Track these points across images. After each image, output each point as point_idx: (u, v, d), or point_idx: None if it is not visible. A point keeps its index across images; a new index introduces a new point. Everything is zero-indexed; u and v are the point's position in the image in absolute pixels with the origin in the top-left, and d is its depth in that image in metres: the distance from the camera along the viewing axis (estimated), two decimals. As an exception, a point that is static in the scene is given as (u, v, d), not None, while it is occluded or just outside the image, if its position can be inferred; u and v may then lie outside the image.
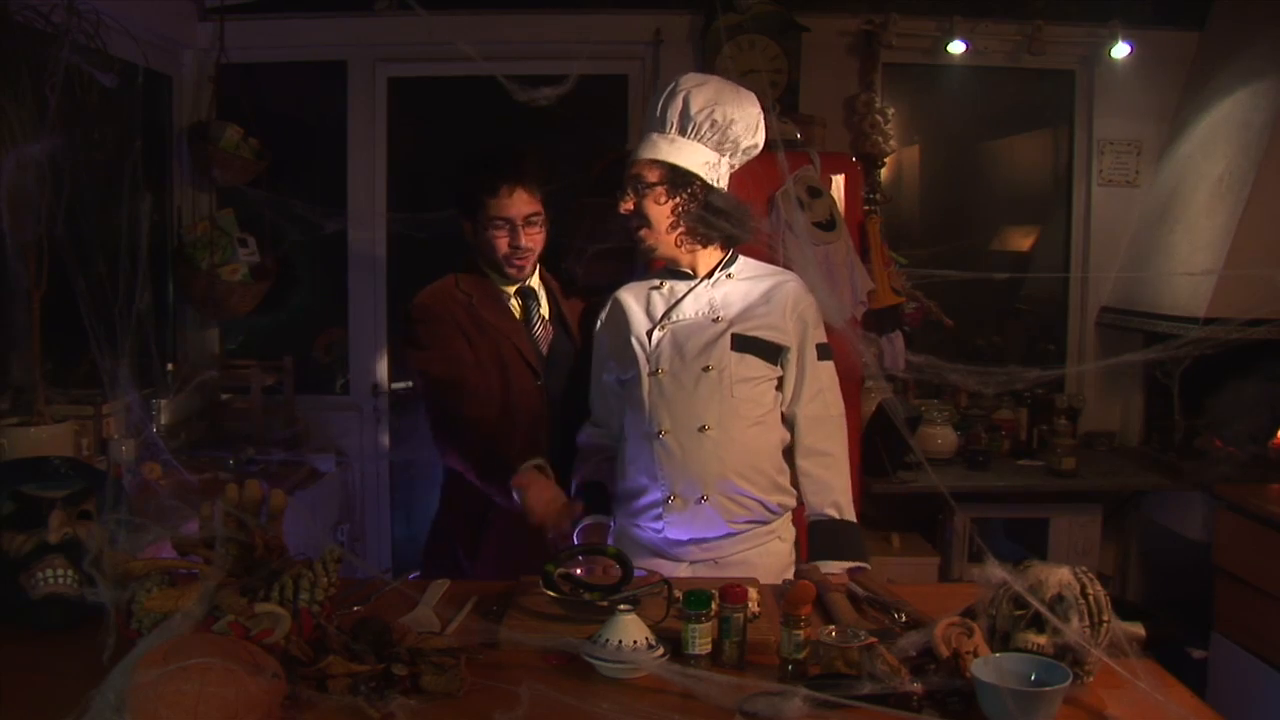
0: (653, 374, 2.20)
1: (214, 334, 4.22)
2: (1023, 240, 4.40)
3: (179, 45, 3.97)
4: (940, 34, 4.04)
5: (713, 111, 2.16)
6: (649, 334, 2.24)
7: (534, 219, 2.40)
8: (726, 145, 2.20)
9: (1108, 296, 4.18)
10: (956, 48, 4.01)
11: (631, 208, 2.22)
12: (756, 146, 2.25)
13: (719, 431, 2.16)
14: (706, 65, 3.98)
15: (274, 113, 4.05)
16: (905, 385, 4.04)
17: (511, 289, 2.49)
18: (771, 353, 2.22)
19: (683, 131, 2.18)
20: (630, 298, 2.33)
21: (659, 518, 2.19)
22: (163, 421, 3.68)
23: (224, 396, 3.94)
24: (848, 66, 4.08)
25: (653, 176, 2.19)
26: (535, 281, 2.52)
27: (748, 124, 2.20)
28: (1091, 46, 4.10)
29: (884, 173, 4.08)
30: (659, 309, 2.27)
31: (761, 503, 2.21)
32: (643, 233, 2.23)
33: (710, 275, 2.27)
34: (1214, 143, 3.77)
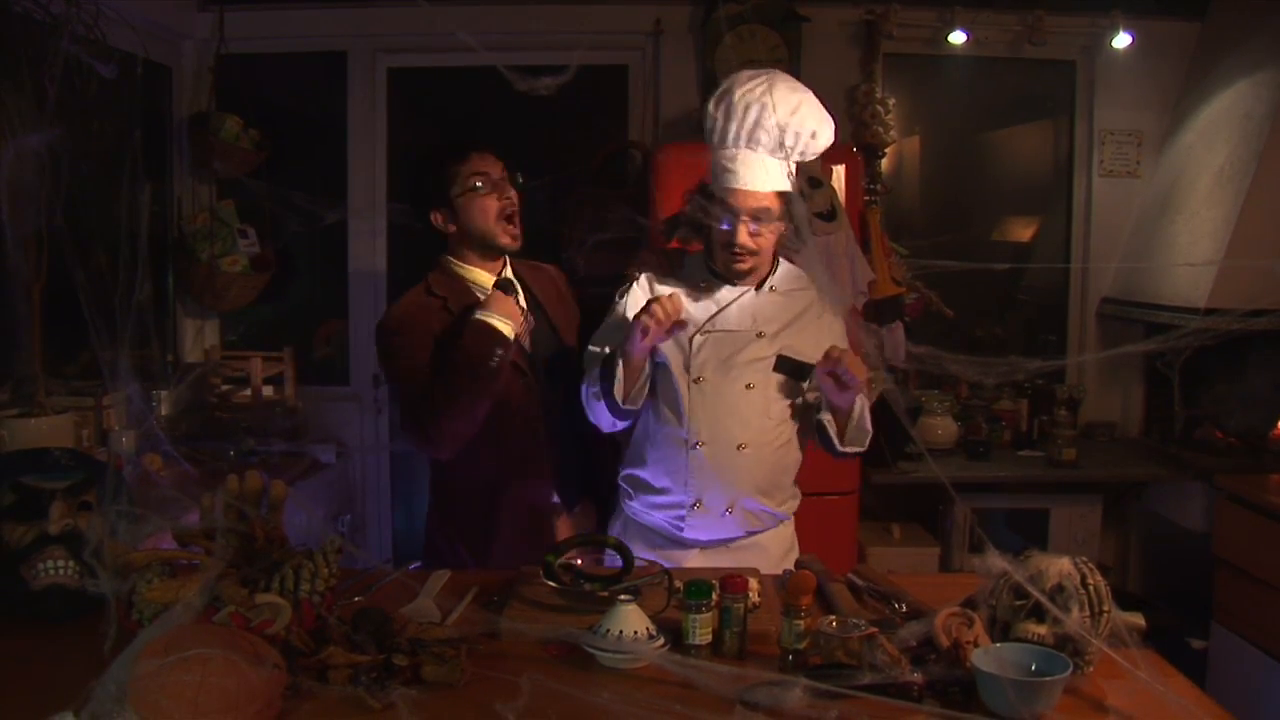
0: (695, 381, 2.17)
1: (214, 325, 4.22)
2: (1023, 231, 4.40)
3: (178, 36, 3.96)
4: (941, 24, 4.02)
5: (816, 132, 2.12)
6: (690, 339, 2.18)
7: (505, 180, 2.33)
8: (809, 155, 2.17)
9: (1108, 287, 4.18)
10: (957, 38, 4.00)
11: (763, 243, 2.15)
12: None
13: (754, 450, 2.17)
14: (707, 56, 3.98)
15: (274, 103, 4.04)
16: (906, 376, 4.04)
17: (489, 280, 2.34)
18: (805, 373, 2.21)
19: (780, 148, 2.11)
20: (667, 292, 2.20)
21: (681, 519, 2.21)
22: (163, 413, 3.68)
23: (224, 388, 3.94)
24: (848, 57, 4.07)
25: (778, 207, 2.13)
26: (509, 271, 2.40)
27: (828, 138, 2.17)
28: (1092, 37, 4.09)
29: (884, 163, 4.07)
30: (699, 311, 2.20)
31: (774, 514, 2.25)
32: (751, 261, 2.16)
33: (759, 286, 2.23)
34: (1215, 133, 3.76)
